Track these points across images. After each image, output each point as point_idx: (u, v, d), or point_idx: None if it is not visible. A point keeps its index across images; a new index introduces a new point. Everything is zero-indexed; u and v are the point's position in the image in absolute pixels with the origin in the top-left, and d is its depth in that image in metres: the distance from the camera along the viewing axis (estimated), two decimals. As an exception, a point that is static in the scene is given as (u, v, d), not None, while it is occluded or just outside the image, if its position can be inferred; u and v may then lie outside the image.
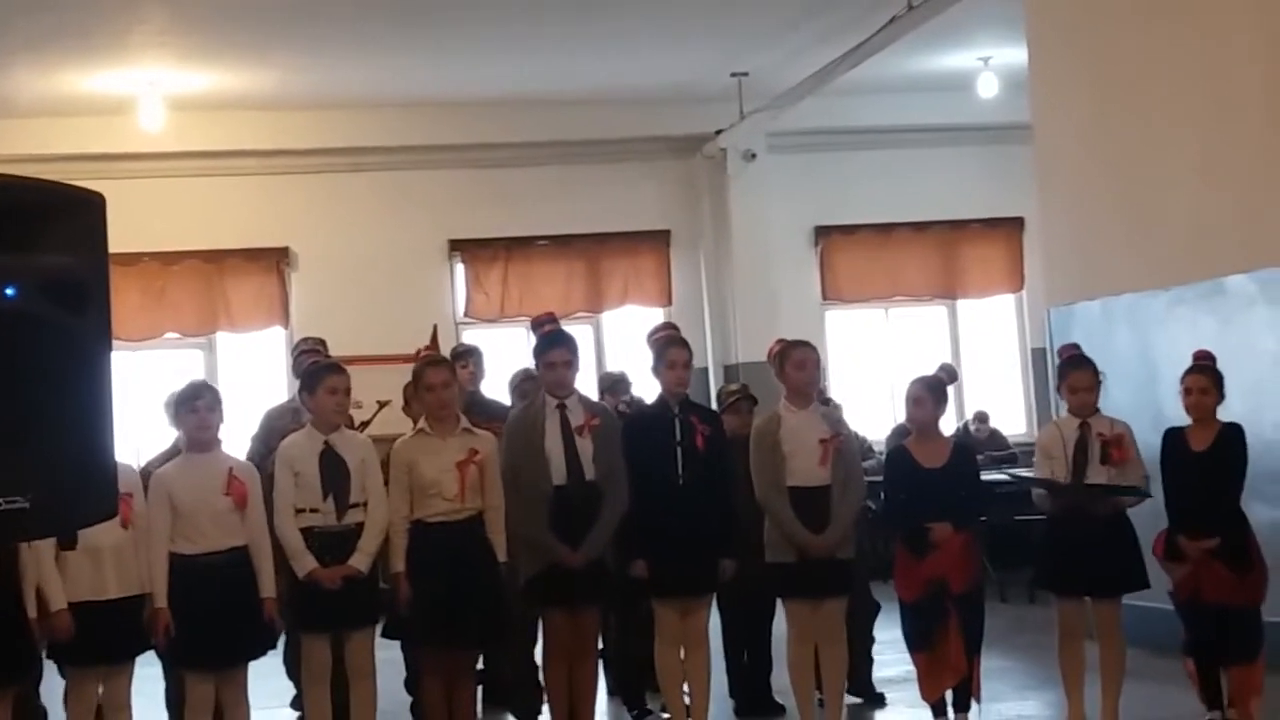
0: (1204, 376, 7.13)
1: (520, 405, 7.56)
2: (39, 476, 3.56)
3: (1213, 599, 6.93)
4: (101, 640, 6.43)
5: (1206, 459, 7.01)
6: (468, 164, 15.16)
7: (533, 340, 7.41)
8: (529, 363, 9.27)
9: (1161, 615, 7.51)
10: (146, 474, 7.30)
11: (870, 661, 8.33)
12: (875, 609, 8.34)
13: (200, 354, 14.86)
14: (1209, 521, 6.94)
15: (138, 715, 6.80)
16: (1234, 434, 7.04)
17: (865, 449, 13.43)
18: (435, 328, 8.20)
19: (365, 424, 8.65)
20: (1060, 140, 10.33)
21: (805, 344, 7.53)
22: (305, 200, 14.82)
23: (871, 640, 8.25)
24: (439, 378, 7.05)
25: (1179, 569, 7.01)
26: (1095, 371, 7.34)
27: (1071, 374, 7.39)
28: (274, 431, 7.88)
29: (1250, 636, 6.94)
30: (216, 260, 14.71)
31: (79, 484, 3.68)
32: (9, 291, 3.52)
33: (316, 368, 7.18)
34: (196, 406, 6.69)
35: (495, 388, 9.01)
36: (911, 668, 7.42)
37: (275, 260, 14.84)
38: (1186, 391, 7.13)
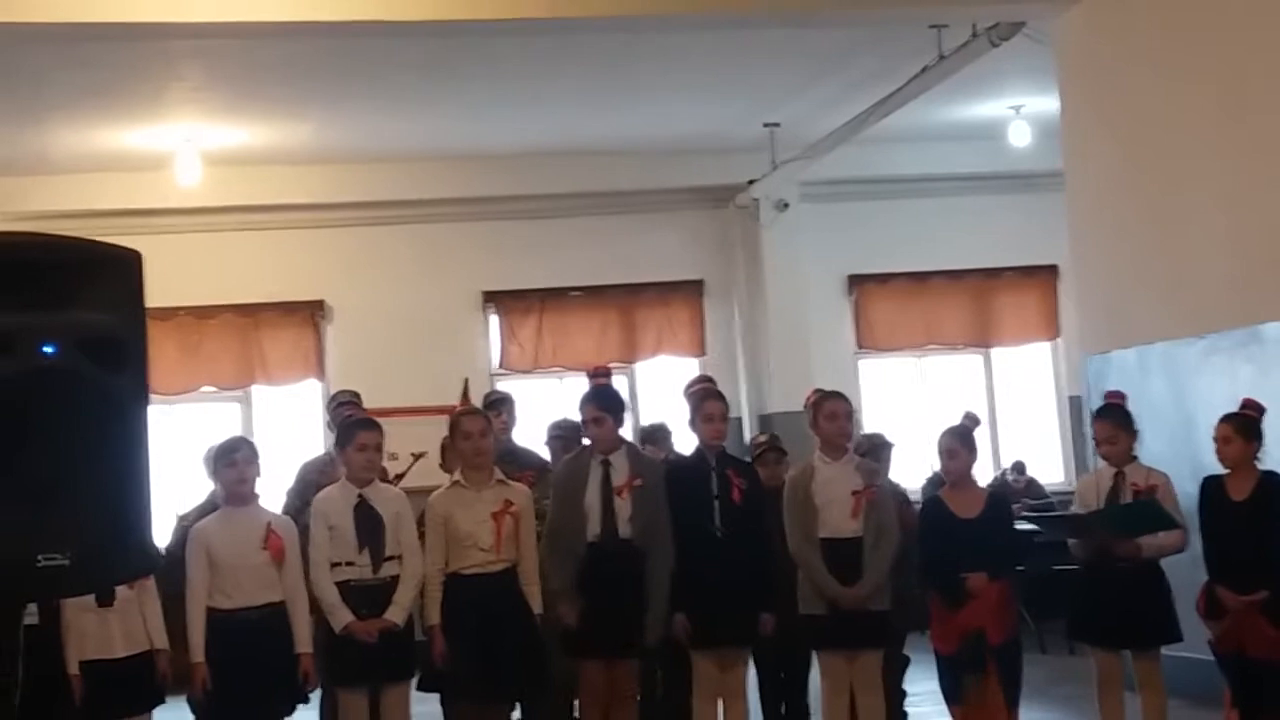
0: (1227, 425, 7.09)
1: (568, 456, 7.56)
2: (78, 533, 3.59)
3: (1253, 653, 6.87)
4: (113, 698, 6.45)
5: (1246, 508, 6.96)
6: (501, 216, 15.22)
7: (571, 392, 7.45)
8: (562, 414, 9.32)
9: (1203, 666, 7.44)
10: (183, 526, 7.35)
11: (904, 716, 8.25)
12: (905, 663, 8.27)
13: (237, 407, 14.91)
14: (1251, 573, 6.87)
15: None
16: (1274, 483, 6.98)
17: (901, 499, 13.39)
18: (466, 381, 8.24)
19: (400, 476, 8.68)
20: (1092, 187, 10.32)
21: (838, 395, 7.53)
22: (339, 253, 14.89)
23: (903, 694, 8.18)
24: (476, 426, 7.09)
25: (1220, 624, 6.95)
26: (1119, 422, 7.30)
27: (1095, 424, 7.42)
28: (309, 485, 7.90)
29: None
30: (252, 314, 14.77)
31: (117, 541, 3.70)
32: (48, 349, 3.56)
33: (349, 423, 7.22)
34: (235, 460, 6.73)
35: (529, 439, 9.01)
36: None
37: (310, 313, 14.90)
38: (1216, 441, 7.10)
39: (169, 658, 6.58)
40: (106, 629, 6.44)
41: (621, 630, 7.03)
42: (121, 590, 6.31)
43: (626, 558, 7.05)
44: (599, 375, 7.42)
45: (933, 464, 13.03)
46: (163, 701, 6.69)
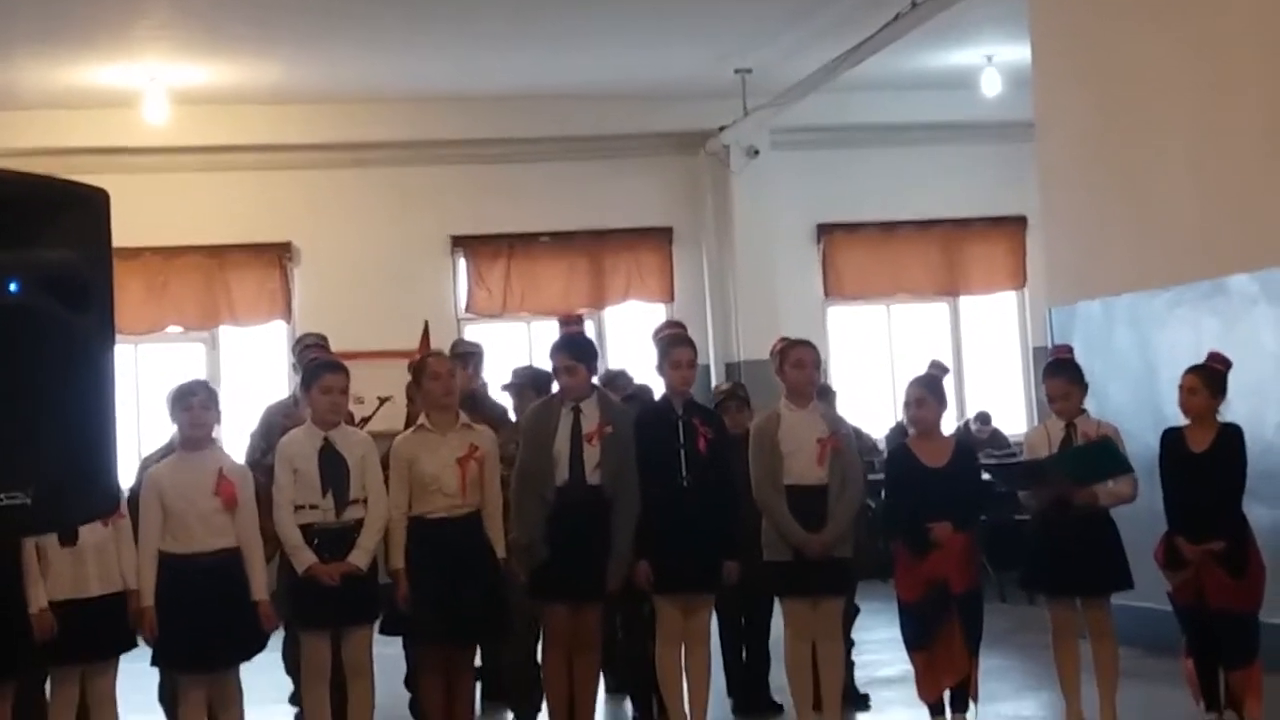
0: (1194, 376, 7.13)
1: (537, 404, 7.54)
2: (40, 472, 3.57)
3: (1214, 603, 6.94)
4: (84, 638, 6.44)
5: (1205, 460, 7.01)
6: (470, 159, 15.16)
7: (538, 338, 7.44)
8: (529, 360, 9.33)
9: (1156, 615, 7.52)
10: (146, 467, 7.32)
11: (851, 665, 8.26)
12: (854, 612, 8.31)
13: (203, 348, 14.87)
14: (1210, 524, 6.93)
15: (132, 711, 6.82)
16: (1233, 435, 7.03)
17: (869, 446, 13.46)
18: (426, 324, 8.17)
19: (366, 419, 8.66)
20: (1062, 138, 10.33)
21: (805, 343, 7.55)
22: (307, 195, 14.82)
23: (851, 643, 8.22)
24: (443, 367, 7.11)
25: (1179, 574, 7.01)
26: (1071, 378, 7.34)
27: (1046, 381, 7.46)
28: (274, 428, 7.88)
29: (1247, 640, 6.93)
30: (219, 255, 14.70)
31: (80, 480, 3.69)
32: (11, 287, 3.53)
33: (314, 365, 7.20)
34: (191, 404, 6.69)
35: (497, 385, 8.98)
36: (908, 668, 7.42)
37: (277, 255, 14.84)
38: (1181, 391, 7.14)
39: (138, 601, 6.56)
40: (81, 569, 6.42)
41: (587, 576, 7.05)
42: (97, 530, 6.31)
43: (593, 504, 7.06)
44: (571, 323, 7.40)
45: (898, 413, 13.15)
46: (134, 645, 6.67)
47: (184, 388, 6.85)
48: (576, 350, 7.25)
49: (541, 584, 7.10)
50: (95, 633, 6.46)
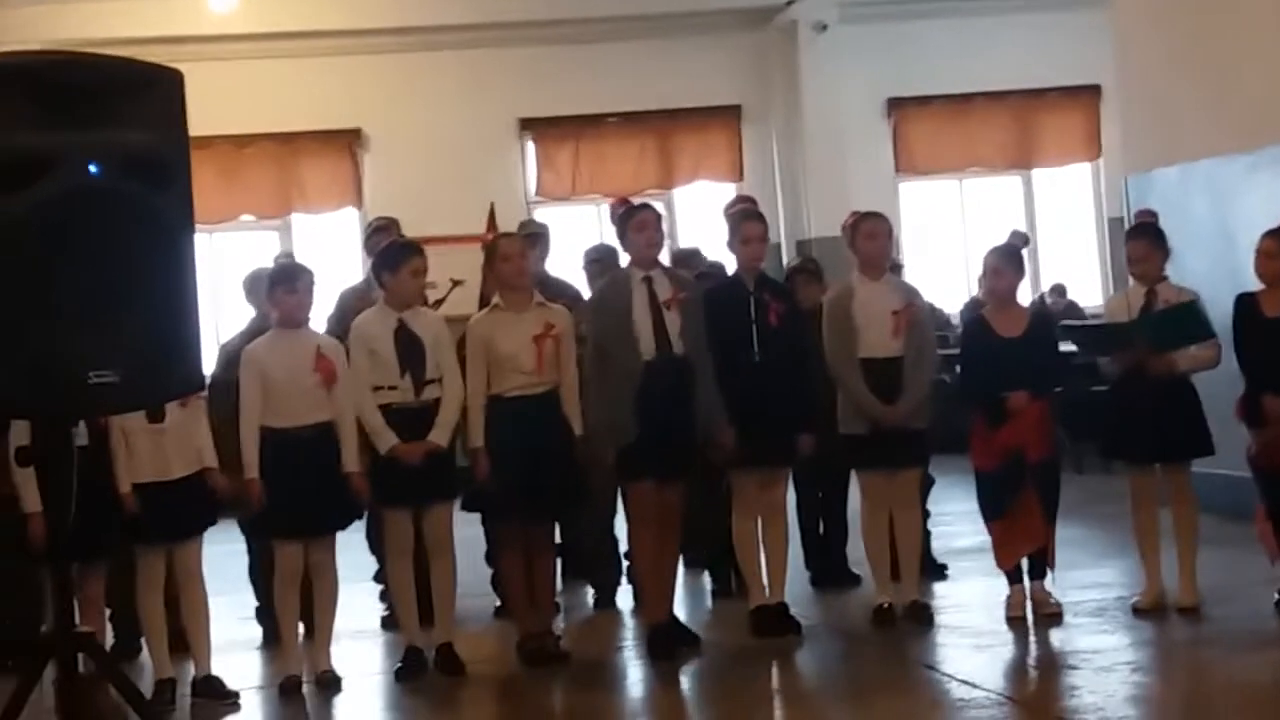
0: (1271, 240, 7.03)
1: (604, 280, 7.52)
2: (127, 351, 3.65)
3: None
4: (168, 518, 6.58)
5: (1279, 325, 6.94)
6: (538, 41, 15.08)
7: (608, 222, 7.35)
8: (599, 241, 9.29)
9: (1236, 482, 7.49)
10: (226, 353, 7.42)
11: (928, 534, 8.30)
12: (930, 483, 8.32)
13: (276, 235, 14.97)
14: (1281, 385, 6.88)
15: (219, 589, 6.97)
16: (1309, 300, 6.96)
17: (943, 321, 13.41)
18: (491, 206, 8.12)
19: (440, 302, 8.70)
20: (1138, 4, 10.15)
21: (876, 215, 7.52)
22: (376, 81, 14.81)
23: (927, 514, 8.24)
24: (514, 248, 7.11)
25: (1261, 433, 6.97)
26: (1153, 241, 7.26)
27: (1128, 244, 7.39)
28: (349, 312, 7.92)
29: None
30: (289, 142, 14.76)
31: (166, 358, 3.76)
32: (92, 169, 3.58)
33: (398, 247, 7.19)
34: (297, 288, 6.78)
35: (565, 269, 8.99)
36: (985, 538, 7.45)
37: (348, 142, 14.88)
38: (1258, 256, 7.05)
39: (221, 476, 6.69)
40: (161, 451, 6.54)
41: (677, 450, 6.99)
42: (175, 411, 6.42)
43: (681, 374, 6.97)
44: (622, 205, 7.30)
45: (971, 287, 13.06)
46: (215, 521, 6.82)
47: (289, 270, 6.96)
48: (644, 211, 7.18)
49: (631, 462, 7.00)
50: (178, 512, 6.60)
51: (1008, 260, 7.30)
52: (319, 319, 8.46)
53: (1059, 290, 14.94)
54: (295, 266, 7.06)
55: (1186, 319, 7.04)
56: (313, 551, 6.82)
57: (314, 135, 14.76)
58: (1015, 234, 7.50)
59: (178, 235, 3.73)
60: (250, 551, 7.74)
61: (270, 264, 7.64)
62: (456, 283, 9.39)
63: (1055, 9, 15.31)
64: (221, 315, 11.36)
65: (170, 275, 3.72)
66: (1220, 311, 7.19)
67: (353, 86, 14.73)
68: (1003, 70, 15.64)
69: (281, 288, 6.80)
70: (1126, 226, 8.44)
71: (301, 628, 7.06)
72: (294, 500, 6.62)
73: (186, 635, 6.82)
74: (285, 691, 6.79)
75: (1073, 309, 14.60)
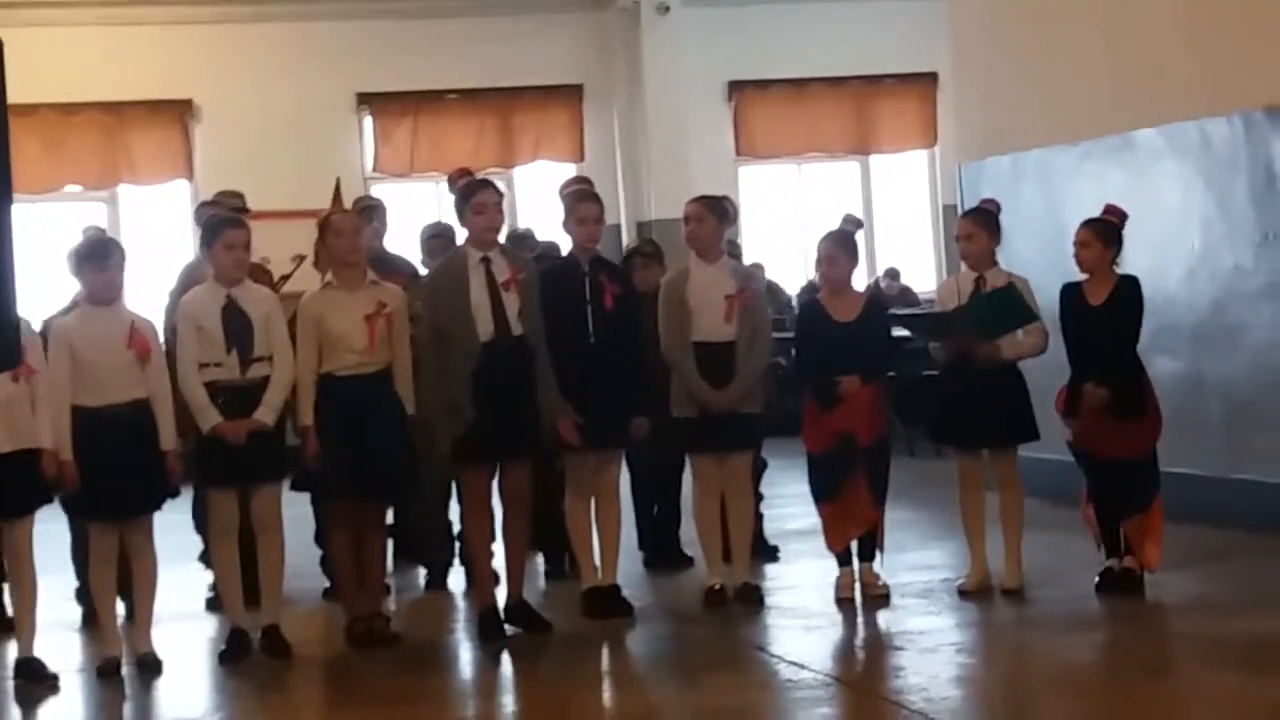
0: (1086, 230, 7.19)
1: (440, 259, 7.42)
2: (-69, 325, 3.48)
3: (1108, 453, 7.06)
4: None
5: (1103, 312, 7.08)
6: (377, 15, 14.90)
7: (447, 198, 7.25)
8: (438, 219, 9.18)
9: (1059, 466, 7.64)
10: (48, 329, 7.20)
11: (760, 517, 8.33)
12: (762, 466, 8.36)
13: (103, 207, 14.62)
14: (1106, 371, 7.02)
15: (44, 568, 6.78)
16: (1129, 286, 7.11)
17: (784, 303, 13.50)
18: (338, 181, 8.01)
19: (285, 278, 8.54)
20: (974, -6, 10.29)
21: (700, 199, 7.52)
22: (208, 52, 14.51)
23: (760, 496, 8.28)
24: (348, 223, 7.00)
25: (1078, 423, 7.11)
26: (983, 222, 7.35)
27: (959, 223, 7.50)
28: (191, 286, 7.75)
29: (1144, 486, 7.07)
30: (117, 112, 14.44)
31: (-27, 333, 3.60)
32: (-106, 135, 3.41)
33: (214, 221, 7.08)
34: (106, 266, 6.62)
35: (403, 245, 8.89)
36: (817, 521, 7.50)
37: (179, 113, 14.60)
38: (1075, 246, 7.20)
39: (53, 458, 6.48)
40: None
41: (517, 432, 6.92)
42: (6, 385, 6.24)
43: (519, 355, 6.91)
44: (462, 177, 7.22)
45: (809, 271, 13.17)
46: (48, 501, 6.63)
47: (98, 247, 6.75)
48: (497, 188, 7.12)
49: (467, 446, 6.89)
50: (6, 489, 6.40)
51: (841, 246, 7.35)
52: (147, 293, 8.29)
53: (892, 274, 15.15)
54: (106, 242, 6.88)
55: (1006, 304, 7.13)
56: (129, 533, 6.67)
57: (143, 105, 14.47)
58: (848, 219, 7.54)
59: (-11, 207, 3.57)
60: (72, 530, 7.55)
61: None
62: (300, 259, 9.20)
63: (894, -3, 15.49)
64: (44, 289, 11.04)
65: (-19, 249, 3.56)
66: (1049, 299, 7.31)
67: (184, 56, 14.43)
68: (843, 56, 15.80)
69: (90, 265, 6.64)
70: (960, 213, 8.56)
71: (123, 609, 6.89)
72: (107, 480, 6.47)
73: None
74: (104, 674, 6.65)
75: (907, 294, 14.80)
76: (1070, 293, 7.21)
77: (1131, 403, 7.04)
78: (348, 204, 7.89)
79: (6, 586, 6.64)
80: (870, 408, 7.21)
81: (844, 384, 7.13)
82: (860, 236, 7.59)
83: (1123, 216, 7.20)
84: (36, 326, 6.91)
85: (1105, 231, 7.14)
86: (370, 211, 8.37)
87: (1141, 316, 7.10)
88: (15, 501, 6.51)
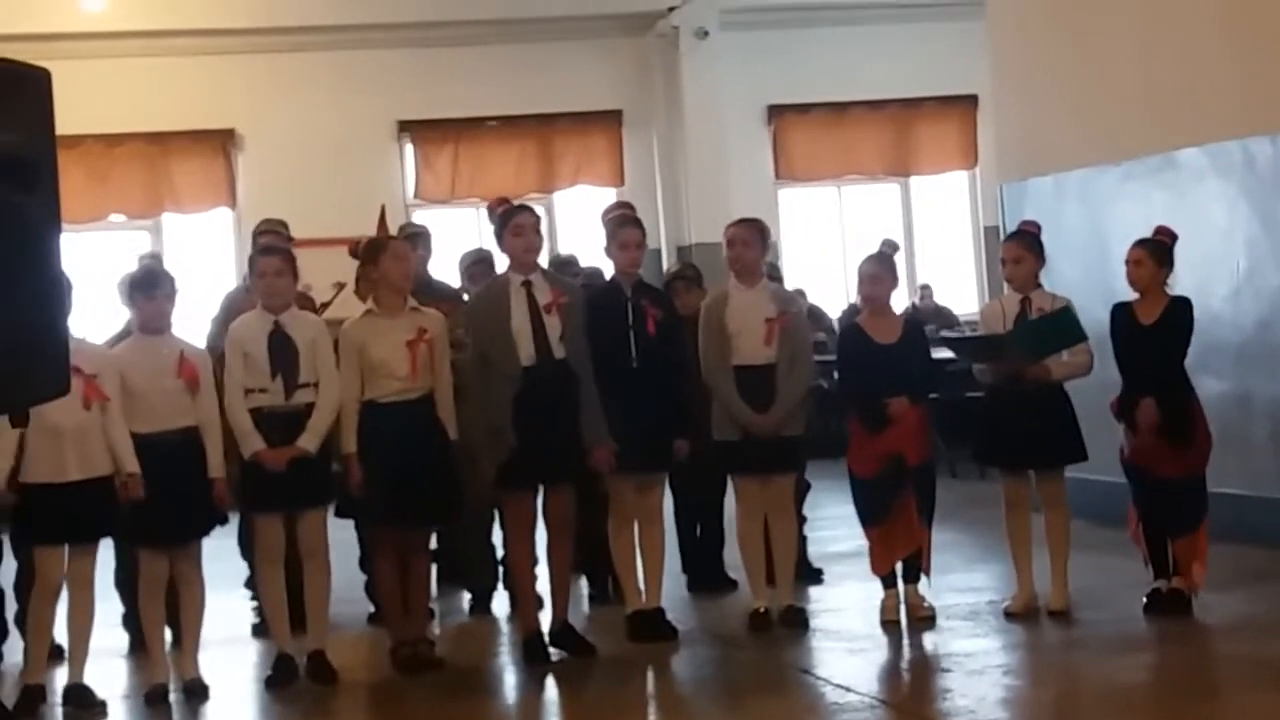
0: (1139, 249, 7.18)
1: (481, 285, 7.45)
2: (-12, 354, 3.54)
3: (1161, 472, 7.04)
4: (63, 522, 6.45)
5: (1154, 331, 7.07)
6: (416, 43, 14.99)
7: (488, 225, 7.28)
8: (479, 245, 9.23)
9: (1105, 487, 7.61)
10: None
11: (803, 540, 8.33)
12: (805, 488, 8.36)
13: (147, 235, 14.74)
14: (1156, 391, 7.00)
15: (102, 596, 6.84)
16: (1182, 306, 7.10)
17: (827, 326, 13.50)
18: (383, 207, 8.08)
19: (326, 305, 8.59)
20: (1013, 16, 10.29)
21: (743, 221, 7.55)
22: (251, 81, 14.64)
23: (803, 519, 8.28)
24: (405, 248, 7.06)
25: (1133, 439, 7.09)
26: (1028, 245, 7.35)
27: (1004, 245, 7.50)
28: (233, 314, 7.82)
29: (1192, 507, 7.04)
30: (161, 142, 14.56)
31: (31, 361, 3.65)
32: (-47, 168, 3.47)
33: (255, 251, 7.18)
34: (155, 296, 6.70)
35: (444, 270, 8.94)
36: (860, 542, 7.49)
37: (221, 142, 14.71)
38: (1128, 265, 7.19)
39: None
40: (59, 453, 6.39)
41: (561, 456, 6.92)
42: (76, 413, 6.27)
43: (562, 379, 6.91)
44: (501, 205, 7.25)
45: (850, 294, 13.17)
46: (113, 532, 6.73)
47: (148, 277, 6.85)
48: (536, 213, 7.17)
49: (510, 472, 6.89)
50: (75, 517, 6.46)
51: (882, 267, 7.36)
52: (193, 321, 8.35)
53: (926, 292, 15.14)
54: (156, 272, 6.97)
55: (1058, 327, 7.13)
56: (177, 559, 6.72)
57: (186, 135, 14.59)
58: (886, 242, 7.56)
59: (45, 236, 3.63)
60: (117, 556, 7.59)
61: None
62: (341, 285, 9.26)
63: (933, 19, 15.52)
64: (89, 318, 11.13)
65: (37, 277, 3.61)
66: (1093, 320, 7.30)
67: (226, 86, 14.56)
68: (881, 79, 15.81)
69: (141, 294, 6.72)
70: (1002, 235, 8.55)
71: (170, 635, 6.94)
72: (156, 507, 6.51)
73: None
74: (151, 701, 6.67)
75: (942, 312, 14.77)
76: (1121, 312, 7.20)
77: (1180, 428, 7.01)
78: (393, 227, 7.95)
79: (62, 613, 6.66)
80: (918, 428, 7.21)
81: (893, 405, 7.13)
82: (899, 259, 7.61)
83: (1174, 237, 7.20)
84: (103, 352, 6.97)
85: (1158, 251, 7.13)
86: (415, 239, 8.41)
87: (1190, 335, 7.09)
88: (83, 529, 6.56)
